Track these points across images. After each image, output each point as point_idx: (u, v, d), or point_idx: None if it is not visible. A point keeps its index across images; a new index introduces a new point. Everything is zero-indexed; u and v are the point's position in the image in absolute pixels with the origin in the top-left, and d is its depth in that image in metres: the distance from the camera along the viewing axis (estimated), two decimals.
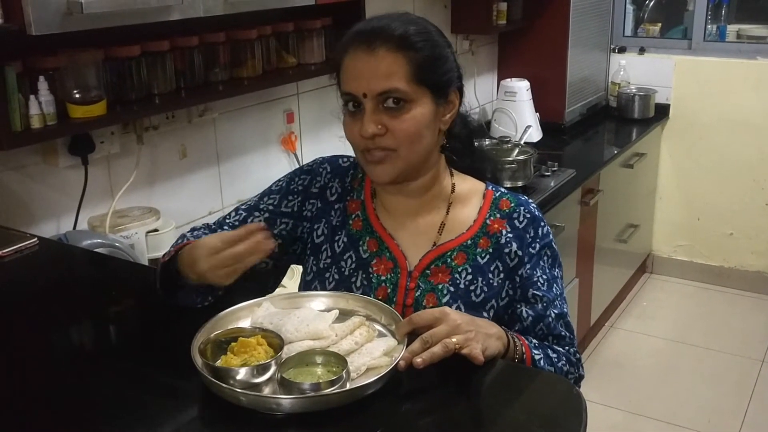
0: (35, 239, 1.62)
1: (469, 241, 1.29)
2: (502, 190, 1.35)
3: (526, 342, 1.22)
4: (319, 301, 1.23)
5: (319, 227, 1.35)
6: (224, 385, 0.99)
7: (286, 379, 1.01)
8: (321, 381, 1.00)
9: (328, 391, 0.99)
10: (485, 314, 1.26)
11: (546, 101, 3.47)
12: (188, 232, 1.36)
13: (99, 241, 1.74)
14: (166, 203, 2.09)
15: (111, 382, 1.13)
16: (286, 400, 0.99)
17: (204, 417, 1.04)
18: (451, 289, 1.26)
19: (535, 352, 1.22)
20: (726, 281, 3.90)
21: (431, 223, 1.31)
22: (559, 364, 1.25)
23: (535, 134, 3.33)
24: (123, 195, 1.96)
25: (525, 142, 2.91)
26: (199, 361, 1.04)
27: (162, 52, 1.89)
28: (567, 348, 1.29)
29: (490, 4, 3.16)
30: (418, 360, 1.03)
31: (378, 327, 1.16)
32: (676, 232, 4.00)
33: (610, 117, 3.83)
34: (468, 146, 1.36)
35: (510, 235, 1.28)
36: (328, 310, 1.19)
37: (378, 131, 1.18)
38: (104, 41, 1.75)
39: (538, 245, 1.29)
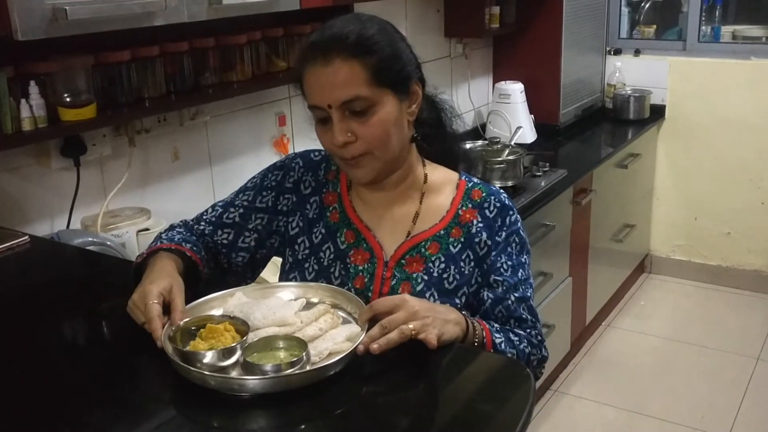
0: (26, 237, 1.68)
1: (442, 231, 1.34)
2: (475, 180, 1.40)
3: (488, 326, 1.26)
4: (289, 291, 1.28)
5: (293, 220, 1.40)
6: (192, 368, 1.05)
7: (249, 362, 1.06)
8: (282, 363, 1.05)
9: (289, 371, 1.04)
10: (457, 301, 1.31)
11: (541, 103, 3.52)
12: (164, 232, 1.42)
13: (90, 239, 1.80)
14: (159, 205, 2.15)
15: (97, 373, 1.17)
16: (250, 381, 1.04)
17: (175, 401, 1.09)
18: (425, 277, 1.31)
19: (497, 335, 1.26)
20: (724, 280, 3.92)
21: (406, 212, 1.36)
22: (521, 347, 1.29)
23: (528, 135, 3.37)
24: (116, 196, 2.02)
25: (516, 143, 2.95)
26: (169, 347, 1.10)
27: (152, 57, 1.95)
28: (528, 331, 1.33)
29: (483, 7, 3.21)
30: (375, 346, 1.08)
31: (343, 315, 1.21)
32: (673, 232, 4.02)
33: (606, 118, 3.86)
34: (438, 127, 1.40)
35: (481, 224, 1.33)
36: (297, 300, 1.24)
37: (348, 139, 1.23)
38: (95, 47, 1.81)
39: (504, 233, 1.34)
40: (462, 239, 1.33)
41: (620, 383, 3.16)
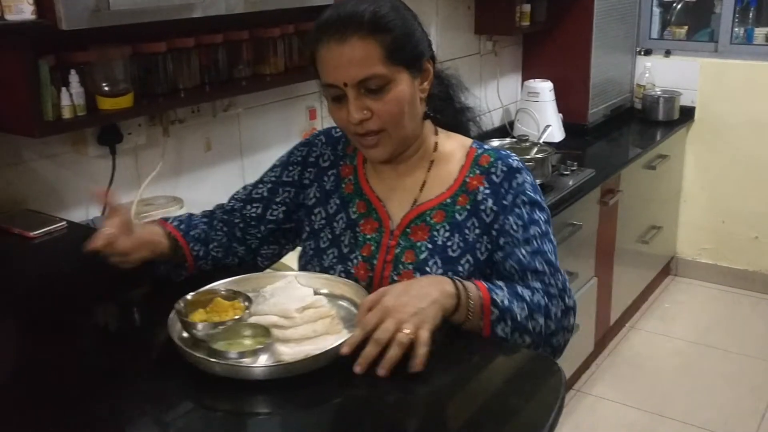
0: (64, 222, 1.72)
1: (448, 200, 1.34)
2: (486, 147, 1.38)
3: (484, 284, 1.20)
4: (336, 286, 1.28)
5: (311, 191, 1.44)
6: (199, 355, 1.07)
7: (215, 349, 1.09)
8: (247, 351, 1.08)
9: (246, 360, 1.07)
10: (461, 268, 1.30)
11: (569, 102, 3.51)
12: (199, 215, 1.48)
13: None
14: (191, 194, 2.18)
15: (130, 357, 1.21)
16: (255, 368, 1.06)
17: (188, 388, 1.10)
18: (429, 246, 1.31)
19: (497, 292, 1.20)
20: (750, 285, 3.89)
21: (415, 182, 1.37)
22: (535, 299, 1.22)
23: (557, 134, 3.37)
24: (149, 185, 2.06)
25: (545, 142, 2.95)
26: (178, 326, 1.14)
27: (187, 48, 1.98)
28: (546, 280, 1.26)
29: (514, 5, 3.20)
30: (382, 371, 1.05)
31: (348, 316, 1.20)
32: (700, 235, 3.99)
33: (635, 119, 3.84)
34: (446, 99, 1.41)
35: (487, 191, 1.32)
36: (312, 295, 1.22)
37: (364, 116, 1.24)
38: (133, 37, 1.84)
39: (511, 195, 1.31)
40: (468, 206, 1.32)
41: (643, 385, 3.15)
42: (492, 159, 1.34)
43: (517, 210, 1.30)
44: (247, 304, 1.19)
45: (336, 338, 1.13)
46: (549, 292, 1.25)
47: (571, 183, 2.82)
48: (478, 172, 1.34)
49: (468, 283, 1.19)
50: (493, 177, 1.33)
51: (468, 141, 1.40)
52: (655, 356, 3.38)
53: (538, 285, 1.25)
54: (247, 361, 1.08)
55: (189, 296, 1.20)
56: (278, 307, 1.17)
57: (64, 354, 1.23)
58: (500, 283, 1.24)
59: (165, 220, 1.46)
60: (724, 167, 3.82)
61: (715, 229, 3.94)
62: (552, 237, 1.32)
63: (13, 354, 1.28)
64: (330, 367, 1.06)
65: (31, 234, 1.67)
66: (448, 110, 1.41)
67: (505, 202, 1.31)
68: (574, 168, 2.93)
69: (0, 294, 1.47)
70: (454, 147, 1.38)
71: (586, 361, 3.19)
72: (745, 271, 3.90)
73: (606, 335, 3.38)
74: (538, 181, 2.65)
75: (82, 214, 1.95)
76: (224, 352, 1.08)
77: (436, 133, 1.39)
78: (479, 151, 1.37)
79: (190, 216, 1.50)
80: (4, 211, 1.79)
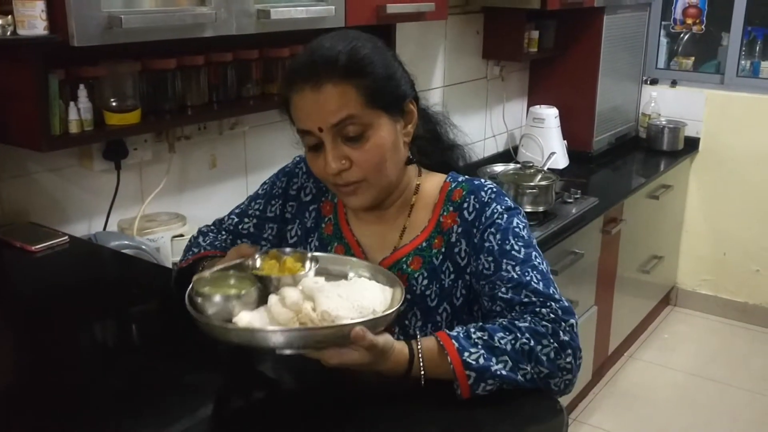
0: (66, 237, 1.72)
1: (424, 243, 1.26)
2: (459, 179, 1.29)
3: (454, 345, 1.07)
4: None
5: (293, 228, 1.38)
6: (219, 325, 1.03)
7: (198, 291, 1.06)
8: (230, 294, 1.05)
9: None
10: (438, 318, 1.24)
11: (574, 129, 3.51)
12: (200, 238, 1.45)
13: (126, 242, 1.83)
14: (194, 210, 2.17)
15: (130, 374, 1.20)
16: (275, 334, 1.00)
17: (217, 412, 1.11)
18: (408, 296, 1.22)
19: (470, 351, 1.06)
20: (750, 318, 3.87)
21: (396, 227, 1.30)
22: (518, 346, 1.08)
23: (561, 161, 3.37)
24: (153, 201, 2.05)
25: (549, 169, 2.95)
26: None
27: (197, 66, 1.98)
28: (537, 311, 1.13)
29: (522, 31, 3.21)
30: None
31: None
32: (701, 266, 3.98)
33: (639, 148, 3.84)
34: (434, 139, 1.34)
35: (460, 230, 1.24)
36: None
37: (342, 166, 1.17)
38: (143, 54, 1.85)
39: (480, 232, 1.22)
40: (443, 249, 1.25)
41: (640, 416, 3.13)
42: (464, 192, 1.26)
43: (486, 245, 1.21)
44: (313, 264, 1.14)
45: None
46: (537, 330, 1.10)
47: (574, 211, 2.82)
48: (451, 209, 1.26)
49: (430, 355, 1.07)
50: (465, 214, 1.25)
51: (443, 176, 1.32)
52: (652, 387, 3.36)
53: (526, 324, 1.11)
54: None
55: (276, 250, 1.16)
56: (334, 300, 1.05)
57: (62, 368, 1.22)
58: (477, 334, 1.09)
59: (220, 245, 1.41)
60: (727, 199, 3.82)
61: (717, 261, 3.93)
62: (537, 263, 1.19)
63: (11, 367, 1.27)
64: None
65: (33, 248, 1.66)
66: (434, 151, 1.34)
67: (474, 240, 1.23)
68: (578, 196, 2.93)
69: None
70: (432, 185, 1.31)
71: (583, 390, 3.17)
72: (745, 304, 3.89)
73: (604, 364, 3.36)
74: (540, 209, 2.70)
75: (84, 228, 1.94)
76: (210, 295, 1.04)
77: (420, 175, 1.32)
78: (453, 185, 1.28)
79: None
80: (6, 223, 1.78)
